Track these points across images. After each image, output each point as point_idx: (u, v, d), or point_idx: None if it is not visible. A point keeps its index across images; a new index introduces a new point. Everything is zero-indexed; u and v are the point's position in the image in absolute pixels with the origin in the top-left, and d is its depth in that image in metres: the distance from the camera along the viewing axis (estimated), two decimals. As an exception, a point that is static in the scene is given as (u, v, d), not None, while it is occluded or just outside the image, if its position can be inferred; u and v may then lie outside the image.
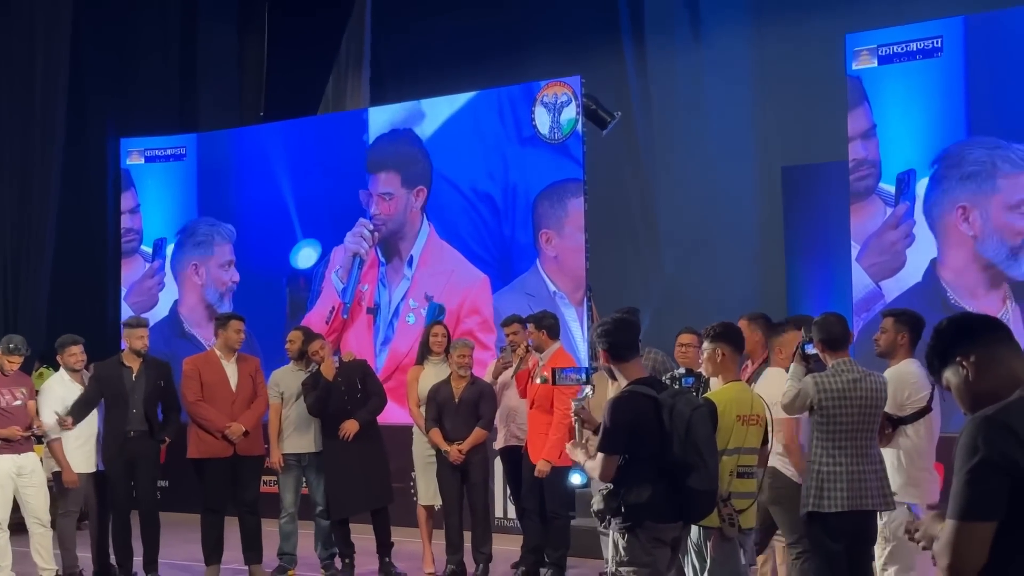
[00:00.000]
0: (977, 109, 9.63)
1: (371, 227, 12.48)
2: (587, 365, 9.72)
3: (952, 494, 2.69)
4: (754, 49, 13.04)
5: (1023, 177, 9.33)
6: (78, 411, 8.55)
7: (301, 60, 14.78)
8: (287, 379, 9.02)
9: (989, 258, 9.40)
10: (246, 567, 8.93)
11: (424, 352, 9.06)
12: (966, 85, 9.69)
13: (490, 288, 11.85)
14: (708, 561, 5.56)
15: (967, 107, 9.68)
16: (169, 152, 13.94)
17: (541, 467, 8.19)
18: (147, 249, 13.89)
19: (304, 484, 9.06)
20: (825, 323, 5.96)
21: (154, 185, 13.94)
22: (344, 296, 12.55)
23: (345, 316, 12.50)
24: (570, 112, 11.16)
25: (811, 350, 5.95)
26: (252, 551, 8.87)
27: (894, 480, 5.89)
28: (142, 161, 13.96)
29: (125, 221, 13.95)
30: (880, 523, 5.97)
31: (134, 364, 8.73)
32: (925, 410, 6.01)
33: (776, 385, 6.11)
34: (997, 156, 9.40)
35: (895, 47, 9.95)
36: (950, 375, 2.93)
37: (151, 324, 9.58)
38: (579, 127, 11.11)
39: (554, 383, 5.55)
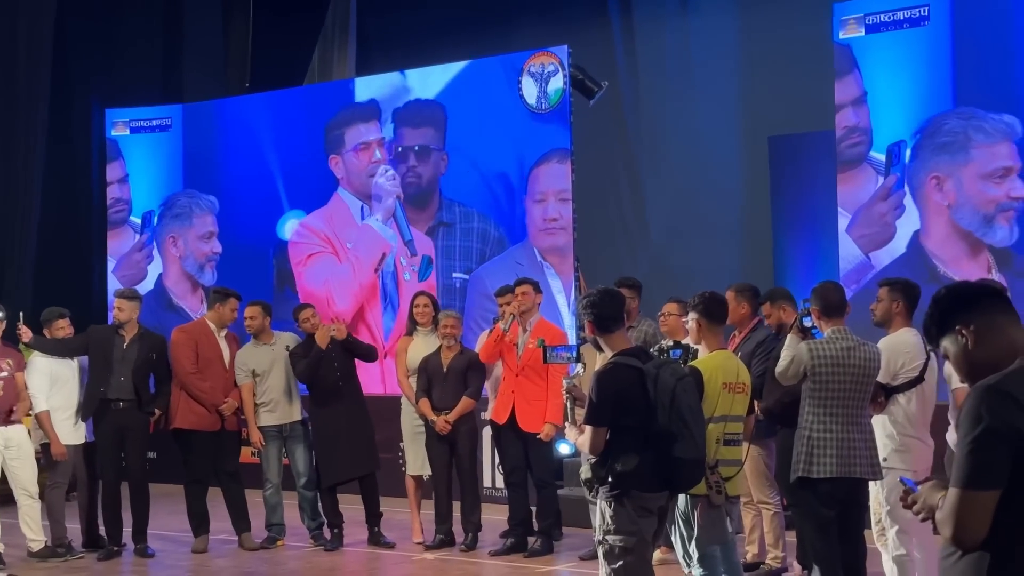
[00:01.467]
0: (963, 78, 9.62)
1: (389, 171, 12.44)
2: (576, 338, 9.77)
3: (955, 463, 2.69)
4: (741, 18, 13.02)
5: (996, 147, 9.39)
6: (53, 346, 8.60)
7: (287, 30, 14.69)
8: (254, 356, 8.99)
9: (965, 227, 9.47)
10: (235, 537, 8.99)
11: (412, 323, 9.07)
12: (953, 54, 9.69)
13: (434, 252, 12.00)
14: (696, 529, 5.60)
15: (953, 76, 9.68)
16: (155, 123, 13.88)
17: (547, 431, 8.24)
18: (136, 220, 13.85)
19: (285, 454, 9.09)
20: (823, 290, 5.99)
21: (140, 156, 13.89)
22: (404, 237, 12.37)
23: (404, 262, 12.27)
24: (557, 82, 11.13)
25: (809, 323, 5.97)
26: (241, 520, 8.94)
27: (885, 447, 5.92)
28: (127, 132, 13.90)
29: (114, 191, 13.89)
30: (874, 490, 6.01)
31: (128, 333, 8.73)
32: (917, 380, 6.03)
33: None
34: (971, 126, 9.47)
35: (882, 16, 9.92)
36: (949, 344, 2.91)
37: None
38: (566, 97, 11.09)
39: (545, 361, 5.58)
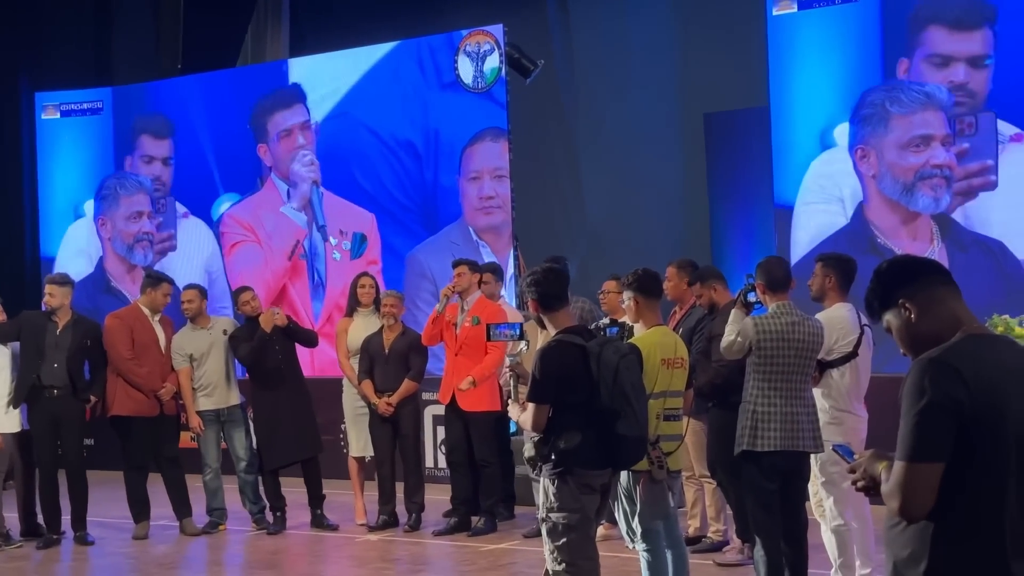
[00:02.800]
0: (893, 54, 9.74)
1: (307, 156, 12.38)
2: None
3: (900, 436, 2.71)
4: (676, -5, 13.08)
5: (914, 116, 9.58)
6: None
7: (218, 10, 14.50)
8: (191, 341, 8.92)
9: (889, 196, 9.68)
10: (176, 522, 8.92)
11: (353, 304, 9.03)
12: (882, 30, 9.80)
13: (377, 225, 11.97)
14: (638, 504, 5.63)
15: (883, 52, 9.79)
16: (86, 106, 13.69)
17: (465, 385, 8.22)
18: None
19: (223, 439, 9.03)
20: (768, 265, 6.02)
21: (71, 140, 13.69)
22: (317, 223, 12.33)
23: (334, 241, 12.24)
24: (493, 61, 11.13)
25: (753, 298, 6.01)
26: (182, 505, 8.88)
27: (819, 420, 6.00)
28: (58, 115, 13.70)
29: (155, 169, 13.52)
30: (813, 463, 6.09)
31: (61, 320, 8.61)
32: (851, 355, 6.11)
33: None
34: (888, 98, 9.68)
35: (815, -9, 10.02)
36: (891, 317, 2.92)
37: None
38: (502, 76, 11.08)
39: (489, 339, 5.58)
